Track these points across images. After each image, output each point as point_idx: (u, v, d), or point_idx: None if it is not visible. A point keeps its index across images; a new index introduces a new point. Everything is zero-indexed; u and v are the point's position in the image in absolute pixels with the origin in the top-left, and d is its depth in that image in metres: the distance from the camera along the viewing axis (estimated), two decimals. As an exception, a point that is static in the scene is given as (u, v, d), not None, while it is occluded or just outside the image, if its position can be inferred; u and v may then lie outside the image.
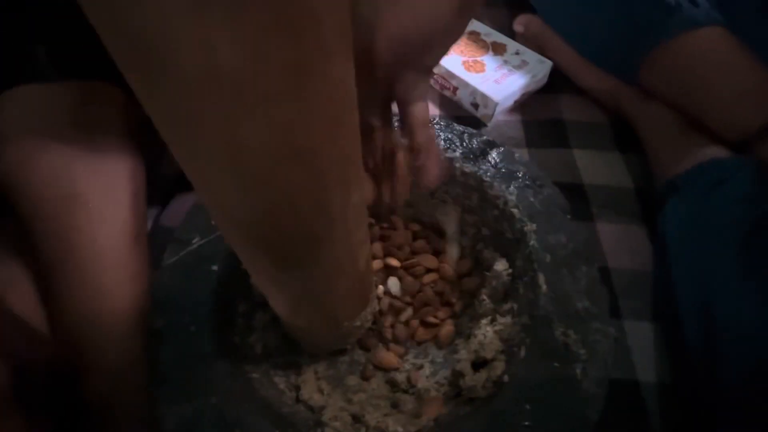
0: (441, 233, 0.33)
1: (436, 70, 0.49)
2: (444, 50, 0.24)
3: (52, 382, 0.28)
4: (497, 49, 0.50)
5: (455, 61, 0.48)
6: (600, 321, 0.22)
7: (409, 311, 0.30)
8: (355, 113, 0.16)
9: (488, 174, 0.29)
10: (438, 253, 0.32)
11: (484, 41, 0.51)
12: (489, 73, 0.47)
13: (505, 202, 0.28)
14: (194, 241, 0.27)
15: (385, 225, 0.34)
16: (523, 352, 0.22)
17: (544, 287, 0.24)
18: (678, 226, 0.34)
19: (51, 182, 0.32)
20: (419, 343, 0.30)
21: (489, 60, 0.49)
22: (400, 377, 0.27)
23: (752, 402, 0.26)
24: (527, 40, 0.51)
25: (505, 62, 0.48)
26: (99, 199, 0.32)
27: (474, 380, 0.23)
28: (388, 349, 0.29)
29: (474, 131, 0.31)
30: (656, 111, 0.42)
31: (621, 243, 0.39)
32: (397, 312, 0.30)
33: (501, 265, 0.27)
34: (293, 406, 0.24)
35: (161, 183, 0.43)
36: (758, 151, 0.35)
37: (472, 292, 0.30)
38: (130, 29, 0.10)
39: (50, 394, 0.28)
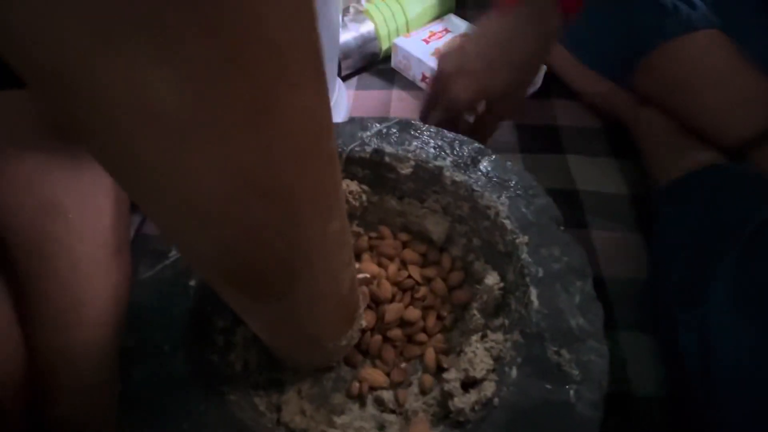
0: (431, 242, 0.32)
1: (428, 73, 0.48)
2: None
3: (23, 407, 0.27)
4: (490, 53, 0.49)
5: (447, 64, 0.47)
6: (595, 339, 0.21)
7: (397, 330, 0.29)
8: (330, 141, 0.15)
9: (479, 183, 0.28)
10: (428, 262, 0.31)
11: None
12: (482, 77, 0.46)
13: (497, 213, 0.27)
14: (171, 254, 0.26)
15: (373, 235, 0.33)
16: (514, 372, 0.21)
17: (536, 303, 0.23)
18: (674, 234, 0.33)
19: (27, 190, 0.30)
20: (407, 360, 0.29)
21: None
22: (387, 396, 0.26)
23: (749, 420, 0.25)
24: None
25: (498, 66, 0.47)
26: (78, 207, 0.31)
27: (463, 402, 0.22)
28: (374, 365, 0.28)
29: (464, 138, 0.30)
30: (651, 116, 0.41)
31: (616, 251, 0.38)
32: (384, 329, 0.29)
33: (492, 279, 0.26)
34: (273, 429, 0.23)
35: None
36: (754, 159, 0.34)
37: (463, 306, 0.29)
38: (44, 68, 0.09)
39: (21, 420, 0.26)
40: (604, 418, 0.23)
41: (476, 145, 0.30)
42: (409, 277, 0.30)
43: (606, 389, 0.20)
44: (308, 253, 0.16)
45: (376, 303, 0.29)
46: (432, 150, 0.30)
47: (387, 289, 0.29)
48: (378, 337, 0.29)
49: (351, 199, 0.31)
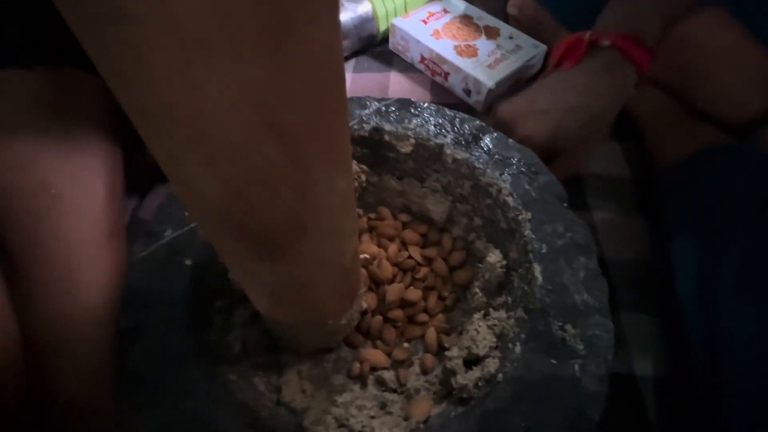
0: (431, 222, 0.31)
1: (427, 55, 0.48)
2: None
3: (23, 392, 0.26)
4: (490, 34, 0.48)
5: (447, 45, 0.46)
6: (600, 314, 0.21)
7: (398, 310, 0.29)
8: (342, 91, 0.14)
9: (481, 160, 0.27)
10: (428, 242, 0.31)
11: (477, 25, 0.49)
12: (482, 58, 0.45)
13: (499, 190, 0.26)
14: (166, 233, 0.25)
15: (372, 215, 0.32)
16: (518, 348, 0.21)
17: (539, 279, 0.22)
18: (680, 215, 0.33)
19: (18, 171, 0.30)
20: (408, 340, 0.28)
21: (482, 44, 0.47)
22: (388, 375, 0.26)
23: (759, 396, 0.25)
24: (521, 23, 0.50)
25: (499, 47, 0.47)
26: (71, 189, 0.30)
27: (466, 379, 0.21)
28: (375, 346, 0.28)
29: (465, 116, 0.30)
30: (654, 98, 0.40)
31: (618, 234, 0.38)
32: (385, 310, 0.28)
33: (494, 257, 0.26)
34: (273, 408, 0.23)
35: (141, 173, 0.41)
36: (760, 138, 0.33)
37: (464, 285, 0.29)
38: None
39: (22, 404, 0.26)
40: (607, 397, 0.23)
41: (478, 122, 0.29)
42: (410, 257, 0.30)
43: (611, 364, 0.20)
44: (315, 206, 0.16)
45: (376, 284, 0.29)
46: (432, 128, 0.29)
47: (387, 270, 0.29)
48: (379, 318, 0.28)
49: (350, 179, 0.30)
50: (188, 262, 0.24)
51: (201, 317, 0.24)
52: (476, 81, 0.44)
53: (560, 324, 0.21)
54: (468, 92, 0.45)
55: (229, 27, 0.10)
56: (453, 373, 0.22)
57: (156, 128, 0.13)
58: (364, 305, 0.27)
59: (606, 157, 0.43)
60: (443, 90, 0.48)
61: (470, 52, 0.46)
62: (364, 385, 0.26)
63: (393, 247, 0.30)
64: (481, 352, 0.22)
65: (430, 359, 0.27)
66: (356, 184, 0.31)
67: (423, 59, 0.48)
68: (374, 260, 0.29)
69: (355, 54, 0.51)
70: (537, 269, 0.23)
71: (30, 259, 0.29)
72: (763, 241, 0.26)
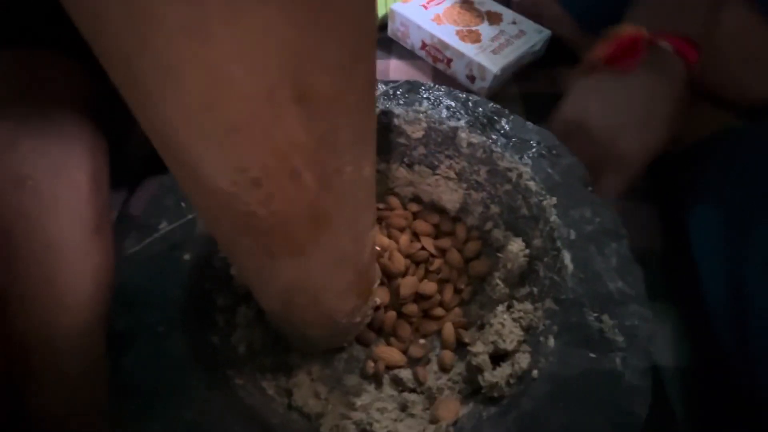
0: (443, 212, 0.29)
1: (428, 41, 0.46)
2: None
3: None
4: (493, 19, 0.47)
5: (449, 30, 0.45)
6: (637, 303, 0.20)
7: (412, 305, 0.27)
8: (374, 50, 0.12)
9: (498, 144, 0.26)
10: (441, 233, 0.29)
11: (479, 10, 0.47)
12: (485, 43, 0.44)
13: (519, 175, 0.25)
14: (161, 226, 0.23)
15: (380, 206, 0.30)
16: (551, 342, 0.19)
17: (570, 267, 0.21)
18: (698, 199, 0.32)
19: None
20: (424, 336, 0.27)
21: (484, 30, 0.45)
22: (405, 374, 0.24)
23: None
24: (524, 8, 0.48)
25: (502, 32, 0.45)
26: (50, 181, 0.28)
27: (496, 376, 0.20)
28: (389, 343, 0.26)
29: (479, 98, 0.28)
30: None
31: (629, 220, 0.36)
32: (399, 304, 0.27)
33: (516, 246, 0.24)
34: (285, 414, 0.21)
35: (129, 165, 0.38)
36: (772, 118, 0.33)
37: (482, 277, 0.27)
38: None
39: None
40: None
41: (492, 104, 0.28)
42: (422, 248, 0.28)
43: (653, 355, 0.18)
44: (340, 195, 0.14)
45: (388, 277, 0.27)
46: (445, 111, 0.27)
47: (400, 262, 0.27)
48: (392, 314, 0.26)
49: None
50: (187, 257, 0.22)
51: (202, 317, 0.22)
52: (481, 67, 0.42)
53: (596, 315, 0.19)
54: (472, 79, 0.44)
55: None
56: (480, 370, 0.21)
57: (156, 100, 0.10)
58: (377, 300, 0.26)
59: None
60: (445, 77, 0.46)
61: (473, 37, 0.44)
62: (379, 385, 0.24)
63: (404, 239, 0.28)
64: (509, 346, 0.21)
65: (448, 356, 0.25)
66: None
67: (424, 45, 0.46)
68: (385, 252, 0.28)
69: (352, 41, 0.49)
70: (567, 257, 0.21)
71: (8, 258, 0.26)
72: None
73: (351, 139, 0.13)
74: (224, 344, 0.22)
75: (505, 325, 0.22)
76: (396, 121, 0.28)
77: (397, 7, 0.47)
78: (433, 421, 0.20)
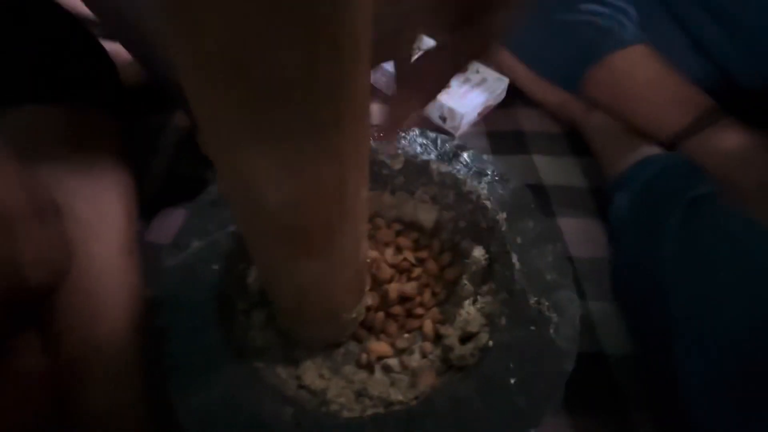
0: (422, 230, 0.36)
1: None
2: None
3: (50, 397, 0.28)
4: (459, 69, 0.55)
5: (423, 80, 0.53)
6: (567, 289, 0.26)
7: (397, 306, 0.33)
8: (367, 103, 0.18)
9: (462, 173, 0.33)
10: (420, 246, 0.35)
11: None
12: (454, 90, 0.52)
13: (478, 196, 0.31)
14: (192, 244, 0.29)
15: (369, 225, 0.36)
16: (503, 321, 0.25)
17: (517, 265, 0.27)
18: (625, 216, 0.39)
19: None
20: (408, 332, 0.32)
21: (453, 78, 0.53)
22: (393, 362, 0.29)
23: (708, 369, 0.29)
24: (485, 60, 0.57)
25: (468, 80, 0.53)
26: (91, 213, 0.33)
27: (462, 351, 0.25)
28: (378, 339, 0.31)
29: (446, 137, 0.35)
30: (600, 119, 0.47)
31: (580, 235, 0.44)
32: (388, 305, 0.32)
33: (478, 252, 0.31)
34: (297, 391, 0.26)
35: (144, 200, 0.44)
36: (685, 148, 0.40)
37: (454, 281, 0.33)
38: None
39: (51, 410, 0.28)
40: (581, 374, 0.27)
41: (456, 141, 0.35)
42: (405, 260, 0.34)
43: (579, 326, 0.24)
44: (346, 212, 0.20)
45: (377, 284, 0.33)
46: (419, 147, 0.34)
47: (386, 271, 0.33)
48: (381, 314, 0.32)
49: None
50: (215, 267, 0.27)
51: (226, 316, 0.27)
52: (450, 110, 0.50)
53: (536, 299, 0.25)
54: (444, 119, 0.52)
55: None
56: (451, 349, 0.26)
57: (239, 156, 0.16)
58: (369, 301, 0.31)
59: (567, 171, 0.50)
60: (422, 118, 0.54)
61: (443, 85, 0.52)
62: (371, 372, 0.29)
63: (389, 252, 0.34)
64: (474, 329, 0.27)
65: (428, 346, 0.30)
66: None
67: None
68: (374, 263, 0.33)
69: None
70: (515, 257, 0.27)
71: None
72: (691, 230, 0.32)
73: (357, 175, 0.19)
74: (244, 338, 0.27)
75: (471, 314, 0.28)
76: (380, 157, 0.34)
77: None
78: (414, 386, 0.25)
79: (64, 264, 0.24)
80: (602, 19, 0.45)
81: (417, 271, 0.34)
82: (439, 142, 0.35)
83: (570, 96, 0.50)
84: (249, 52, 0.12)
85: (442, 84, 0.24)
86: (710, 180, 0.36)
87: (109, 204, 0.35)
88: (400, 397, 0.24)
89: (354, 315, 0.29)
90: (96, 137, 0.36)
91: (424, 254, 0.34)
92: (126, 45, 0.40)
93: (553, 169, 0.50)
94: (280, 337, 0.30)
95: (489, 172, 0.32)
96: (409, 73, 0.24)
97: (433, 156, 0.34)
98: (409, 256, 0.34)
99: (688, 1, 0.45)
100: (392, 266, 0.34)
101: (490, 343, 0.24)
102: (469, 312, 0.28)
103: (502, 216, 0.30)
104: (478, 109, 0.52)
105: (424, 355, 0.30)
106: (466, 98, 0.51)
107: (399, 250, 0.35)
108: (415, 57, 0.24)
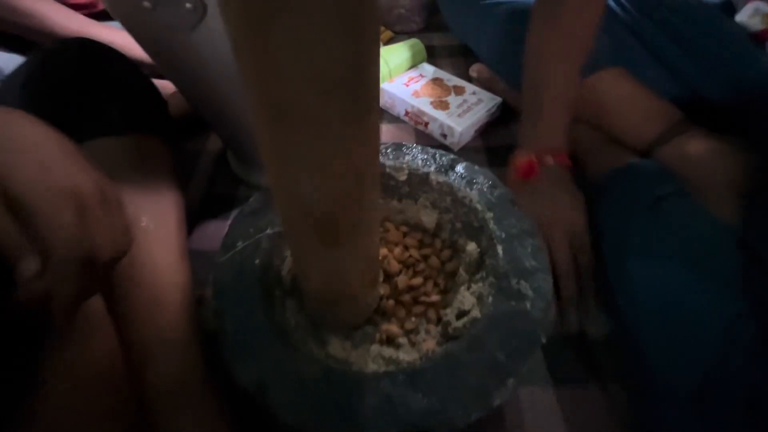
0: (425, 230, 0.42)
1: (410, 110, 0.61)
2: None
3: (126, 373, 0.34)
4: (458, 91, 0.62)
5: (425, 102, 0.60)
6: (542, 273, 0.31)
7: (405, 295, 0.39)
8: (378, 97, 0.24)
9: (456, 181, 0.39)
10: (424, 245, 0.41)
11: (447, 85, 0.63)
12: (453, 110, 0.59)
13: (470, 200, 0.38)
14: (238, 244, 0.35)
15: (381, 229, 0.43)
16: (490, 299, 0.31)
17: (501, 254, 0.33)
18: (605, 215, 0.44)
19: None
20: (415, 316, 0.38)
21: (452, 99, 0.60)
22: (402, 340, 0.35)
23: (663, 350, 0.34)
24: (481, 82, 0.64)
25: (465, 101, 0.60)
26: (154, 223, 0.41)
27: (457, 324, 0.31)
28: (390, 322, 0.37)
29: (443, 152, 0.41)
30: (584, 132, 0.53)
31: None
32: (398, 294, 0.38)
33: (472, 246, 0.37)
34: (325, 359, 0.32)
35: (188, 214, 0.52)
36: (657, 154, 0.46)
37: (453, 273, 0.39)
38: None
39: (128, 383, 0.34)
40: (567, 354, 0.33)
41: (451, 155, 0.41)
42: (411, 256, 0.40)
43: (551, 301, 0.30)
44: (364, 210, 0.26)
45: (388, 276, 0.39)
46: (420, 161, 0.41)
47: (395, 265, 0.39)
48: (392, 301, 0.38)
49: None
50: (257, 261, 0.34)
51: (268, 302, 0.34)
52: (450, 127, 0.57)
53: (516, 280, 0.31)
54: (444, 136, 0.58)
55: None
56: (449, 324, 0.32)
57: (291, 172, 0.23)
58: (381, 291, 0.37)
59: (555, 179, 0.56)
60: (425, 135, 0.61)
61: (443, 105, 0.59)
62: (384, 345, 0.35)
63: (398, 250, 0.41)
64: (467, 307, 0.33)
65: (432, 328, 0.36)
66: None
67: (407, 113, 0.61)
68: (385, 259, 0.40)
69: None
70: (500, 249, 0.33)
71: (128, 277, 0.38)
72: (655, 225, 0.37)
73: (372, 186, 0.25)
74: (282, 319, 0.34)
75: (465, 297, 0.34)
76: (388, 170, 0.41)
77: (386, 86, 0.63)
78: (419, 351, 0.31)
79: (126, 245, 0.29)
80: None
81: (422, 265, 0.40)
82: (437, 156, 0.41)
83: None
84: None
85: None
86: (674, 182, 0.41)
87: (166, 215, 0.43)
88: (408, 358, 0.30)
89: (370, 300, 0.35)
90: (154, 160, 0.44)
91: (427, 251, 0.41)
92: (175, 83, 0.48)
93: (543, 177, 0.55)
94: (309, 321, 0.36)
95: (479, 180, 0.39)
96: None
97: (432, 168, 0.40)
98: (415, 253, 0.40)
99: (654, 31, 0.51)
100: (400, 262, 0.40)
101: (479, 316, 0.30)
102: (464, 295, 0.34)
103: (489, 215, 0.36)
104: (476, 126, 0.59)
105: (428, 333, 0.36)
106: (464, 116, 0.58)
107: (406, 248, 0.41)
108: None
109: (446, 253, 0.40)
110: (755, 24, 0.49)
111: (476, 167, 0.40)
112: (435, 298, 0.38)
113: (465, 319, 0.31)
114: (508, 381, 0.26)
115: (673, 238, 0.36)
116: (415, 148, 0.42)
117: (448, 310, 0.34)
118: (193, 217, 0.54)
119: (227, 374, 0.29)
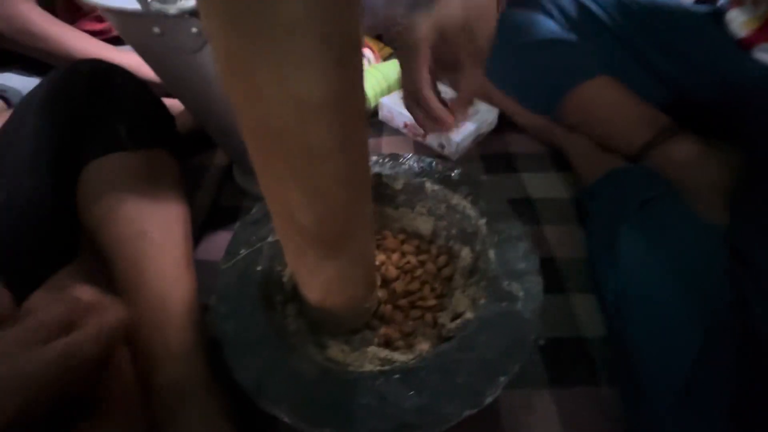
0: (422, 237, 0.43)
1: (408, 122, 0.63)
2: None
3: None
4: (454, 103, 0.64)
5: (422, 114, 0.62)
6: (532, 275, 0.32)
7: (403, 300, 0.40)
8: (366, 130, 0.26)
9: (449, 189, 0.40)
10: (421, 251, 0.43)
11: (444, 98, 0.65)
12: (449, 121, 0.60)
13: (464, 207, 0.39)
14: (241, 252, 0.37)
15: (378, 237, 0.44)
16: (482, 301, 0.32)
17: (493, 258, 0.34)
18: (596, 219, 0.45)
19: (127, 225, 0.42)
20: (413, 320, 0.39)
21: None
22: (400, 343, 0.36)
23: (651, 349, 0.35)
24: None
25: (461, 112, 0.62)
26: (161, 235, 0.43)
27: (451, 326, 0.32)
28: (388, 325, 0.39)
29: (438, 161, 0.43)
30: (576, 139, 0.55)
31: (563, 239, 0.50)
32: (395, 299, 0.39)
33: (466, 251, 0.38)
34: (324, 361, 0.33)
35: (193, 226, 0.53)
36: (648, 159, 0.47)
37: (449, 278, 0.40)
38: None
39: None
40: (562, 356, 0.34)
41: (445, 165, 0.43)
42: (408, 262, 0.42)
43: (541, 302, 0.31)
44: (357, 223, 0.27)
45: (386, 282, 0.40)
46: (416, 171, 0.42)
47: (392, 271, 0.40)
48: (390, 306, 0.39)
49: (361, 210, 0.43)
50: (259, 268, 0.36)
51: (268, 307, 0.35)
52: (447, 138, 0.58)
53: (508, 282, 0.32)
54: (442, 146, 0.60)
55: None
56: (444, 326, 0.33)
57: (280, 188, 0.25)
58: (380, 295, 0.38)
59: (551, 185, 0.57)
60: (423, 146, 0.63)
61: (440, 117, 0.61)
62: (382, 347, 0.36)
63: (395, 256, 0.42)
64: (461, 310, 0.34)
65: (429, 331, 0.37)
66: (365, 214, 0.43)
67: (406, 125, 0.63)
68: (383, 266, 0.41)
69: (353, 125, 0.67)
70: (492, 252, 0.35)
71: (136, 286, 0.40)
72: (642, 227, 0.38)
73: (365, 199, 0.27)
74: (282, 324, 0.35)
75: (460, 300, 0.35)
76: (384, 180, 0.43)
77: (385, 99, 0.65)
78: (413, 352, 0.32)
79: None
80: (571, 56, 0.53)
81: (419, 271, 0.41)
82: (434, 165, 0.43)
83: (549, 121, 0.58)
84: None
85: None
86: (662, 186, 0.42)
87: (173, 227, 0.44)
88: (402, 358, 0.31)
89: (368, 305, 0.36)
90: (163, 175, 0.46)
91: (424, 257, 0.42)
92: (182, 101, 0.51)
93: (539, 184, 0.57)
94: (309, 325, 0.37)
95: (472, 188, 0.40)
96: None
97: (427, 177, 0.42)
98: (412, 259, 0.42)
99: (641, 38, 0.53)
100: (398, 268, 0.41)
101: (471, 316, 0.31)
102: (459, 298, 0.35)
103: (482, 222, 0.37)
104: (472, 137, 0.60)
105: (424, 336, 0.37)
106: (462, 128, 0.59)
107: (403, 254, 0.43)
108: None
109: (442, 258, 0.42)
110: (739, 30, 0.50)
111: (470, 175, 0.41)
112: (431, 302, 0.39)
113: (458, 321, 0.32)
114: (499, 379, 0.27)
115: (660, 239, 0.37)
116: (411, 158, 0.43)
117: (444, 314, 0.35)
118: (201, 229, 0.55)
119: (229, 375, 0.30)
